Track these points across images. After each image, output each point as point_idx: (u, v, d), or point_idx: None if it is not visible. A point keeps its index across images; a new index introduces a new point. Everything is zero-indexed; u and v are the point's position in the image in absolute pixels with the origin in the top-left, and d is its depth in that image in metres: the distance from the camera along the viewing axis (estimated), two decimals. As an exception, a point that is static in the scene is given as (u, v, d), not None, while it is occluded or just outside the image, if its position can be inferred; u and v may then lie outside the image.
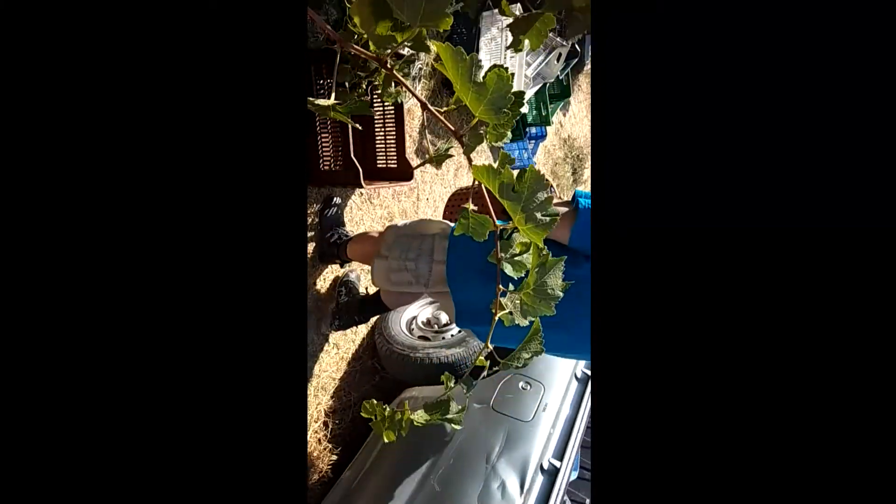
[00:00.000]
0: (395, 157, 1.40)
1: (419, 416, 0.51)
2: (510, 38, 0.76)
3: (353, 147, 1.17)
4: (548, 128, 2.35)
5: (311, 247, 1.45)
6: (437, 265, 1.02)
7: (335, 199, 1.43)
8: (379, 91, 1.14)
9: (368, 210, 1.62)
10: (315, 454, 1.42)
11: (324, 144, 1.27)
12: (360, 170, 1.17)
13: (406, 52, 1.01)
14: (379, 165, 1.43)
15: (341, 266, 1.48)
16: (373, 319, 1.55)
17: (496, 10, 1.75)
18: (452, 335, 1.54)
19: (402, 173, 1.41)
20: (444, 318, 1.60)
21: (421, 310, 1.65)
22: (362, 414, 0.53)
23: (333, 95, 0.68)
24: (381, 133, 1.39)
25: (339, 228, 1.45)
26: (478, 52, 1.77)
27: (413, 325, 1.59)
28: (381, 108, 1.36)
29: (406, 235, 1.10)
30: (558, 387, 1.23)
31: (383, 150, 1.41)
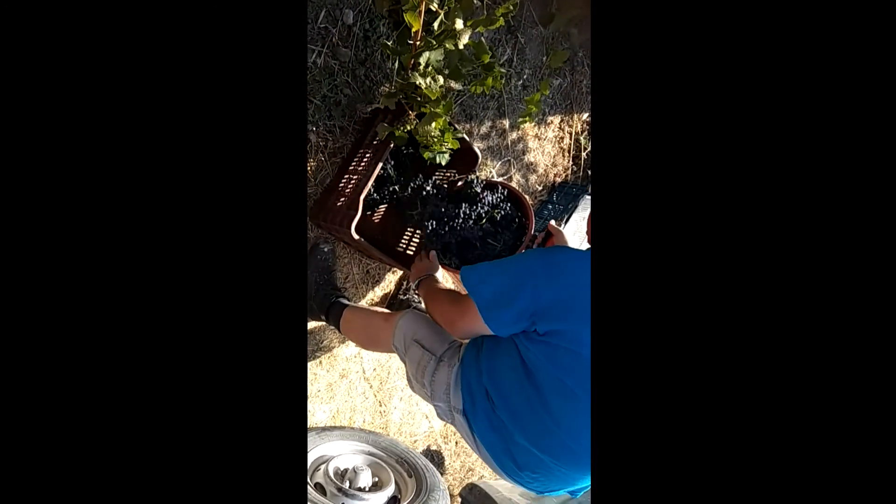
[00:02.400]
0: (417, 246, 1.17)
1: None
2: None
3: (366, 192, 0.98)
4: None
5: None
6: (455, 414, 0.83)
7: (324, 246, 1.18)
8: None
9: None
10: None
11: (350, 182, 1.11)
12: (359, 213, 0.95)
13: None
14: (398, 249, 1.21)
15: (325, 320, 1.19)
16: None
17: (599, 196, 1.65)
18: (356, 508, 1.00)
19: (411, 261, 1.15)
20: (363, 479, 1.09)
21: (344, 456, 1.16)
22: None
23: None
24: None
25: (329, 277, 1.18)
26: (567, 223, 1.64)
27: (320, 468, 1.10)
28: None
29: (418, 344, 0.89)
30: None
31: (410, 234, 1.20)
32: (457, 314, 0.80)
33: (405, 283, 1.35)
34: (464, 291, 0.97)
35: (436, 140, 0.93)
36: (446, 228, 1.01)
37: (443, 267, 1.07)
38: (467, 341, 0.88)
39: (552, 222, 1.04)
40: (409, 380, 0.95)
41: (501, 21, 0.77)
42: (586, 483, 0.79)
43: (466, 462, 1.68)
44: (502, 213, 1.08)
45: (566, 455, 0.71)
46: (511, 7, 0.74)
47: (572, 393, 0.67)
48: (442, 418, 0.87)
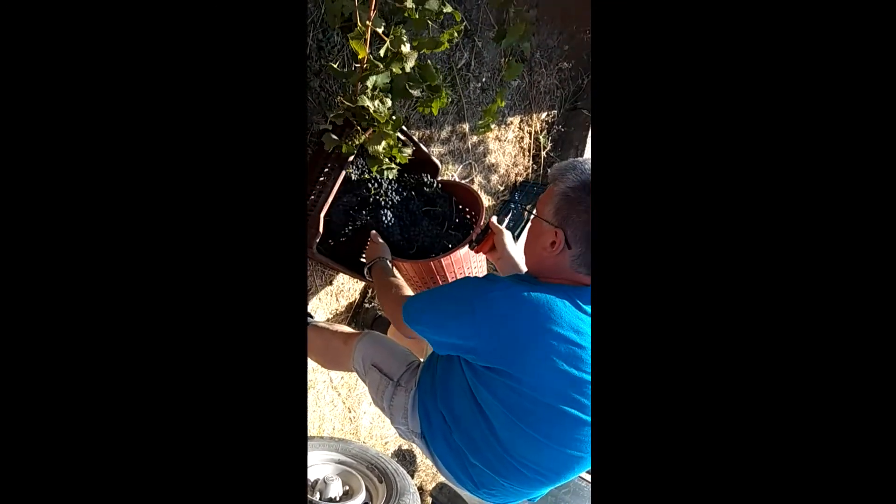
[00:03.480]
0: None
1: None
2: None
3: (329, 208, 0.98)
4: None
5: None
6: (415, 437, 0.86)
7: None
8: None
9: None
10: None
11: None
12: (320, 232, 0.95)
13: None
14: (361, 260, 1.21)
15: None
16: None
17: (559, 196, 1.70)
18: (327, 520, 1.02)
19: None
20: (333, 489, 1.11)
21: (314, 467, 1.18)
22: None
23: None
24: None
25: None
26: (526, 225, 1.68)
27: (291, 480, 1.11)
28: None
29: (376, 368, 0.90)
30: None
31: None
32: (401, 323, 0.81)
33: (370, 291, 1.36)
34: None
35: (384, 156, 0.93)
36: (395, 226, 1.07)
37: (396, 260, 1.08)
38: (423, 363, 0.90)
39: (494, 219, 1.03)
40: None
41: (446, 45, 0.78)
42: (542, 492, 0.83)
43: (437, 459, 1.73)
44: (439, 208, 1.12)
45: (519, 478, 0.75)
46: (455, 34, 0.75)
47: (516, 426, 0.69)
48: (404, 438, 0.89)
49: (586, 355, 0.65)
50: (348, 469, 1.20)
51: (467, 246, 1.05)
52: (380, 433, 1.53)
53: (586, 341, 0.65)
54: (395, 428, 0.88)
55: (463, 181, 1.22)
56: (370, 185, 1.05)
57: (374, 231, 1.06)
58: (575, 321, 0.65)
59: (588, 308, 0.67)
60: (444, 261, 1.05)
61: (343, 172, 0.98)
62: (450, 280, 1.07)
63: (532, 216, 0.77)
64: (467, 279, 0.76)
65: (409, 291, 0.91)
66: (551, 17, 1.68)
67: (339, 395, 1.39)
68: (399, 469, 1.23)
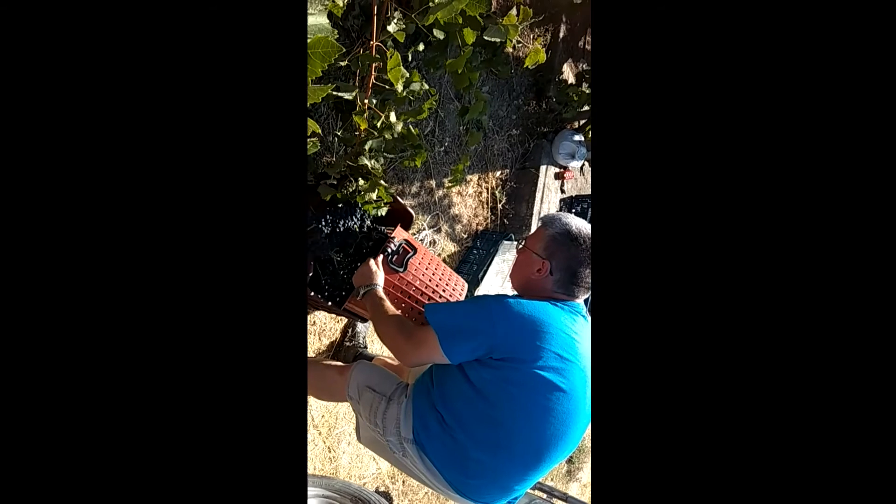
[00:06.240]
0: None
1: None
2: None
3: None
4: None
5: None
6: (406, 445, 0.95)
7: None
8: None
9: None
10: None
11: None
12: (310, 272, 1.08)
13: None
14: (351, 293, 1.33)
15: None
16: None
17: (515, 242, 1.91)
18: (317, 548, 1.06)
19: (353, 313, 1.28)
20: (321, 520, 1.15)
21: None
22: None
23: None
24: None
25: None
26: (488, 269, 1.86)
27: None
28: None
29: (370, 389, 1.03)
30: None
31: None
32: (411, 345, 0.93)
33: (350, 329, 1.46)
34: (409, 318, 1.09)
35: (374, 199, 1.10)
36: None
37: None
38: (412, 383, 1.02)
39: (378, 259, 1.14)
40: (357, 431, 1.06)
41: (426, 113, 0.98)
42: (523, 491, 0.95)
43: (414, 500, 1.76)
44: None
45: (506, 454, 0.88)
46: (433, 103, 0.96)
47: (514, 397, 0.86)
48: (393, 452, 0.97)
49: (569, 341, 0.88)
50: (333, 502, 1.24)
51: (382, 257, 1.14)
52: (358, 472, 1.56)
53: (571, 332, 0.89)
54: (387, 441, 0.96)
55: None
56: (355, 229, 1.20)
57: (378, 257, 1.13)
58: (562, 318, 0.90)
59: (566, 308, 0.92)
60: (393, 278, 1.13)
61: (324, 213, 1.13)
62: (419, 290, 1.18)
63: (523, 248, 1.04)
64: (479, 297, 0.96)
65: (405, 320, 1.01)
66: (501, 92, 1.99)
67: (320, 433, 1.44)
68: (381, 500, 1.28)
